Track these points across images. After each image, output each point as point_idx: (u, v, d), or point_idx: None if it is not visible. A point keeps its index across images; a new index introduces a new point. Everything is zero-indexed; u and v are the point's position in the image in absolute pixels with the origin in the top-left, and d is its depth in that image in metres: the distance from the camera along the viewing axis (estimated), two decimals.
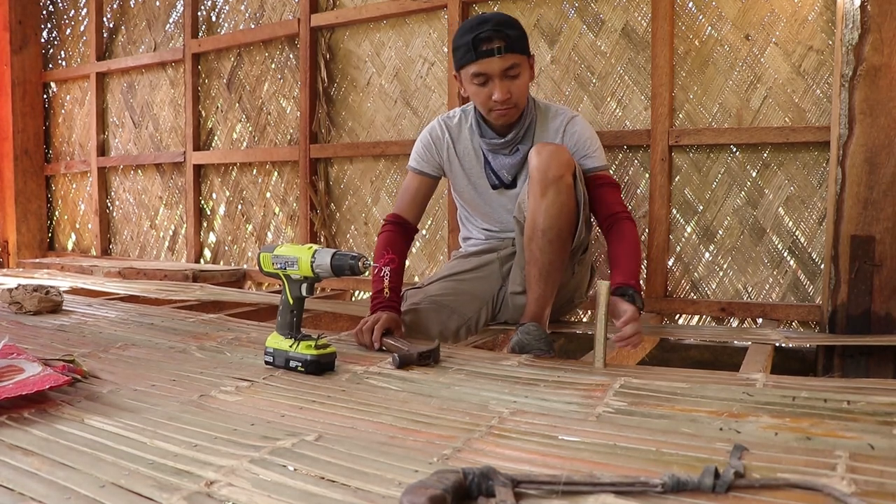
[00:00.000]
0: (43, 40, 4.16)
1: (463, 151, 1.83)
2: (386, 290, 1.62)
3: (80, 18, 4.01)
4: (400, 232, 1.77)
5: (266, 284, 3.24)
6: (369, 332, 1.51)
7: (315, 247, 1.27)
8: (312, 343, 1.27)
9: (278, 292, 2.86)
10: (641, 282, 2.26)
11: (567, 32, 2.39)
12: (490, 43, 1.58)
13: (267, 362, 1.32)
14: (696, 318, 2.24)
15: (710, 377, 1.23)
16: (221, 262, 3.44)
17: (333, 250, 1.24)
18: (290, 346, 1.28)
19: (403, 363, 1.31)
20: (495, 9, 2.51)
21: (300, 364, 1.26)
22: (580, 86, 2.38)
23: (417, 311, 1.75)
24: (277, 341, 1.31)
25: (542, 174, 1.56)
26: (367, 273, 1.26)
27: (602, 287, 1.32)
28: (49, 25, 4.17)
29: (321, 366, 1.26)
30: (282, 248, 1.30)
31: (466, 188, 1.86)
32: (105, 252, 3.92)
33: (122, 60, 3.71)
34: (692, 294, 2.23)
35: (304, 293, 1.29)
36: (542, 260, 1.60)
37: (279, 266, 1.29)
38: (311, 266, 1.24)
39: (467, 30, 1.62)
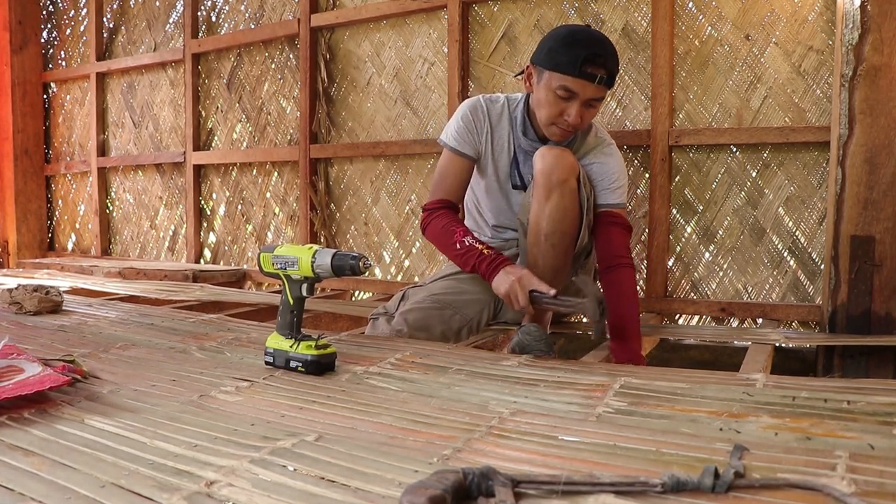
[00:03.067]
0: (43, 40, 4.16)
1: (498, 141, 1.77)
2: (483, 248, 1.59)
3: (80, 18, 4.01)
4: (453, 213, 1.72)
5: (266, 284, 3.24)
6: (517, 297, 1.47)
7: (315, 247, 1.27)
8: (313, 343, 1.27)
9: (278, 292, 2.86)
10: (642, 282, 2.28)
11: None
12: (598, 69, 1.53)
13: (267, 362, 1.32)
14: (696, 318, 2.24)
15: (710, 377, 1.23)
16: (221, 263, 3.44)
17: (334, 250, 1.24)
18: (291, 347, 1.28)
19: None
20: (495, 9, 2.51)
21: (300, 364, 1.26)
22: None
23: (420, 309, 1.74)
24: (278, 341, 1.31)
25: (545, 178, 1.55)
26: (367, 273, 1.26)
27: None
28: (49, 25, 4.17)
29: (321, 366, 1.26)
30: (282, 249, 1.30)
31: (491, 179, 1.81)
32: (105, 252, 3.93)
33: (122, 60, 3.71)
34: (692, 294, 2.23)
35: (304, 293, 1.29)
36: (545, 263, 1.59)
37: (279, 266, 1.29)
38: (312, 266, 1.24)
39: (579, 41, 1.54)
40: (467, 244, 1.61)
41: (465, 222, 1.97)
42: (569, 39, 1.55)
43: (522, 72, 1.70)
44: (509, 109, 1.77)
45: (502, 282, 1.51)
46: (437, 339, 1.68)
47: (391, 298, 1.91)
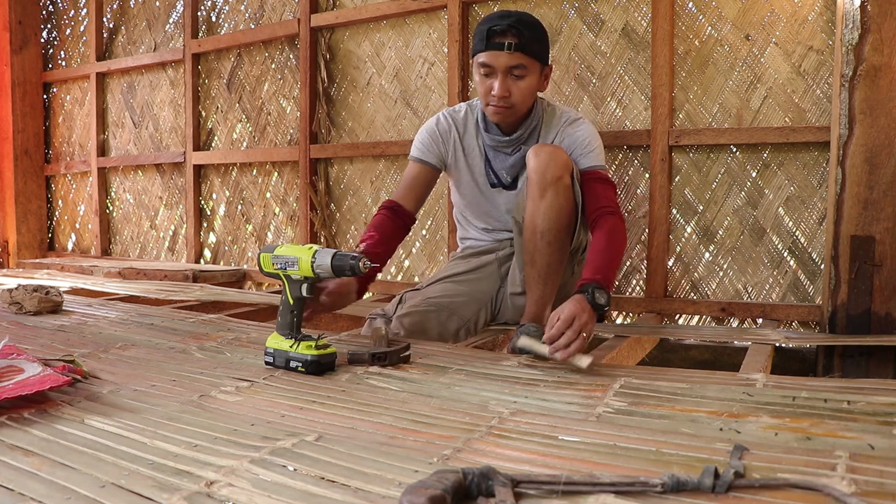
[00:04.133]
0: (43, 40, 4.16)
1: (468, 147, 1.82)
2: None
3: (80, 18, 4.01)
4: (390, 216, 1.74)
5: (266, 284, 3.24)
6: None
7: (315, 247, 1.27)
8: (313, 343, 1.27)
9: (278, 292, 2.86)
10: (642, 283, 2.28)
11: (567, 32, 2.39)
12: (503, 37, 1.58)
13: (267, 363, 1.32)
14: (696, 318, 2.24)
15: (710, 377, 1.23)
16: (221, 263, 3.44)
17: (334, 251, 1.24)
18: (291, 347, 1.28)
19: (353, 362, 1.32)
20: (495, 8, 2.51)
21: (300, 364, 1.26)
22: (580, 86, 2.38)
23: (416, 313, 1.74)
24: (278, 341, 1.31)
25: (540, 175, 1.56)
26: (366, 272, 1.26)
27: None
28: (49, 25, 4.17)
29: (321, 366, 1.26)
30: (282, 249, 1.30)
31: (469, 184, 1.85)
32: (105, 252, 3.93)
33: (122, 61, 3.71)
34: (692, 294, 2.23)
35: (304, 293, 1.29)
36: (542, 261, 1.59)
37: (279, 266, 1.29)
38: (312, 266, 1.24)
39: (487, 20, 1.63)
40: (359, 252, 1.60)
41: (458, 233, 2.02)
42: (480, 24, 1.65)
43: None
44: (473, 113, 1.82)
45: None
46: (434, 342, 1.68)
47: (391, 300, 1.91)
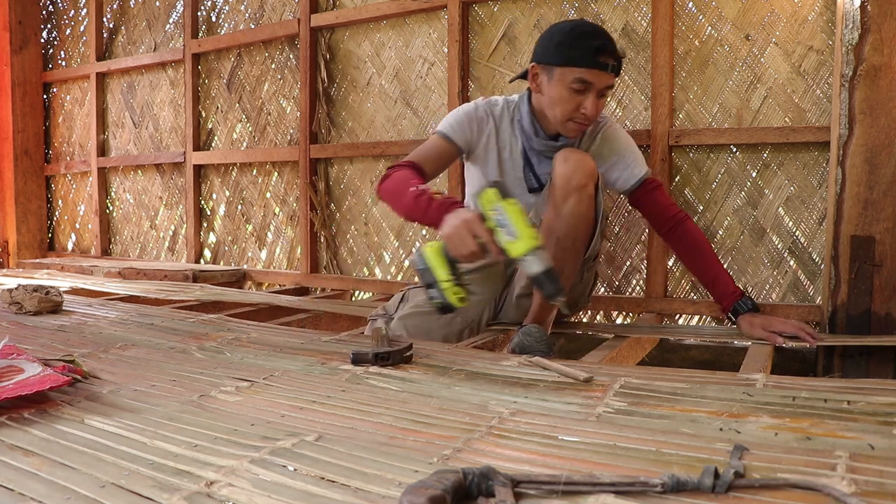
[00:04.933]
0: (43, 40, 4.16)
1: (504, 143, 1.77)
2: (436, 194, 1.44)
3: (80, 18, 4.01)
4: (417, 173, 1.62)
5: (266, 285, 3.24)
6: (471, 234, 1.30)
7: (539, 243, 1.27)
8: (463, 294, 1.29)
9: (278, 292, 2.87)
10: (642, 282, 2.28)
11: None
12: (608, 57, 1.56)
13: (416, 266, 1.34)
14: (696, 318, 2.24)
15: (710, 377, 1.23)
16: (221, 263, 3.44)
17: (548, 268, 1.26)
18: (446, 279, 1.29)
19: (357, 362, 1.32)
20: (495, 9, 2.51)
21: (438, 299, 1.30)
22: None
23: (420, 314, 1.73)
24: (440, 261, 1.30)
25: (565, 181, 1.54)
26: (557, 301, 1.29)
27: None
28: (49, 25, 4.17)
29: (448, 311, 1.32)
30: (513, 211, 1.27)
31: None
32: (105, 252, 3.93)
33: (122, 61, 3.71)
34: (692, 294, 2.23)
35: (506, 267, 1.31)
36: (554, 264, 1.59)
37: (498, 222, 1.27)
38: (524, 255, 1.25)
39: (588, 33, 1.56)
40: (421, 189, 1.48)
41: None
42: (577, 32, 1.57)
43: (522, 75, 1.71)
44: (509, 111, 1.77)
45: (448, 224, 1.36)
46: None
47: (391, 299, 1.90)
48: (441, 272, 1.34)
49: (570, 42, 1.56)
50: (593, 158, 1.72)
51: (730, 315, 1.73)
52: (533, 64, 1.65)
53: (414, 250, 1.38)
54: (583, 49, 1.55)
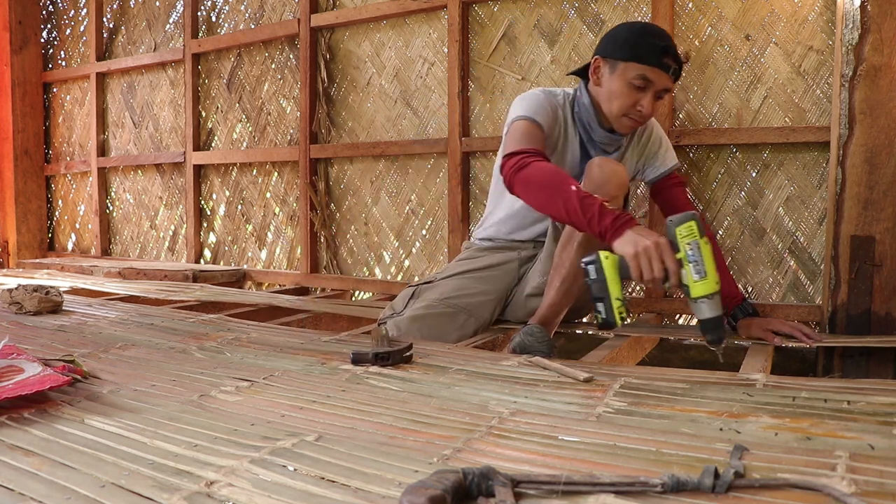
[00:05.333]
0: (43, 40, 4.16)
1: (568, 135, 1.76)
2: (605, 201, 1.39)
3: (80, 18, 4.01)
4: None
5: (266, 285, 3.24)
6: (660, 259, 1.26)
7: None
8: (624, 312, 1.29)
9: (278, 292, 2.87)
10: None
11: (567, 32, 2.39)
12: (672, 60, 1.59)
13: (585, 263, 1.31)
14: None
15: (710, 377, 1.23)
16: (221, 263, 3.44)
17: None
18: (616, 299, 1.28)
19: (357, 362, 1.31)
20: (495, 9, 2.51)
21: (602, 315, 1.29)
22: None
23: (433, 315, 1.71)
24: (615, 277, 1.28)
25: (596, 188, 1.51)
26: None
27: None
28: (49, 25, 4.17)
29: (609, 327, 1.30)
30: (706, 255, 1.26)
31: None
32: (105, 252, 3.93)
33: (122, 61, 3.71)
34: None
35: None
36: (569, 271, 1.58)
37: (692, 260, 1.25)
38: (702, 301, 1.27)
39: (657, 34, 1.60)
40: (586, 192, 1.40)
41: (492, 217, 1.92)
42: (646, 31, 1.62)
43: (579, 71, 1.73)
44: (567, 104, 1.76)
45: (635, 241, 1.29)
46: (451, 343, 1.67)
47: (396, 297, 1.89)
48: (615, 288, 1.30)
49: (638, 39, 1.60)
50: (645, 153, 1.82)
51: (730, 319, 1.73)
52: (596, 57, 1.67)
53: (586, 258, 1.34)
54: (649, 47, 1.58)
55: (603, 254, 1.32)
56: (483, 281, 1.81)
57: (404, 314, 1.75)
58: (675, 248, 1.27)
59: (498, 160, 1.84)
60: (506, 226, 1.90)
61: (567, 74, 1.84)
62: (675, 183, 1.84)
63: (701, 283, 1.26)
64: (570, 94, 1.77)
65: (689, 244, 1.26)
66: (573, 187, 1.40)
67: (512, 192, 1.55)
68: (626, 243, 1.30)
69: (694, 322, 2.24)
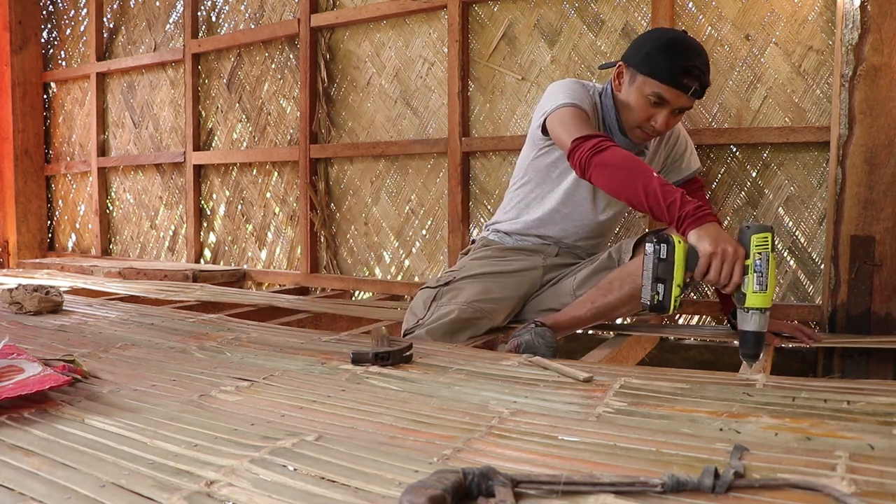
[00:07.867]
0: (43, 40, 4.16)
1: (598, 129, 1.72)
2: (685, 196, 1.36)
3: (80, 18, 4.01)
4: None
5: (266, 284, 3.24)
6: (733, 264, 1.26)
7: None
8: (679, 300, 1.30)
9: (278, 292, 2.87)
10: None
11: (567, 32, 2.39)
12: (693, 80, 1.53)
13: (657, 244, 1.29)
14: (696, 317, 2.24)
15: (710, 377, 1.23)
16: (221, 262, 3.44)
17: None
18: (680, 284, 1.29)
19: (357, 361, 1.31)
20: (495, 9, 2.51)
21: (660, 297, 1.29)
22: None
23: (463, 320, 1.68)
24: (681, 263, 1.28)
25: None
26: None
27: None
28: (49, 25, 4.17)
29: (660, 310, 1.30)
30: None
31: (576, 182, 1.76)
32: (105, 252, 3.93)
33: (122, 61, 3.71)
34: (692, 294, 2.23)
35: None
36: (608, 300, 1.59)
37: (759, 268, 1.26)
38: (752, 312, 1.28)
39: (679, 50, 1.53)
40: (665, 181, 1.39)
41: (508, 215, 1.89)
42: (669, 46, 1.54)
43: (611, 65, 1.70)
44: (598, 99, 1.73)
45: (715, 239, 1.28)
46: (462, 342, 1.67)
47: (414, 300, 1.84)
48: (679, 274, 1.29)
49: (660, 55, 1.54)
50: (672, 154, 1.81)
51: (730, 317, 1.73)
52: (621, 63, 1.64)
53: (657, 237, 1.33)
54: (669, 66, 1.52)
55: (677, 237, 1.31)
56: (507, 287, 1.78)
57: (435, 320, 1.69)
58: (746, 255, 1.29)
59: (526, 153, 1.83)
60: (535, 227, 1.86)
61: (599, 68, 1.82)
62: (697, 186, 1.83)
63: (759, 295, 1.27)
64: (598, 89, 1.74)
65: (759, 254, 1.27)
66: (654, 173, 1.40)
67: (584, 174, 1.49)
68: (705, 238, 1.28)
69: (694, 322, 2.24)
